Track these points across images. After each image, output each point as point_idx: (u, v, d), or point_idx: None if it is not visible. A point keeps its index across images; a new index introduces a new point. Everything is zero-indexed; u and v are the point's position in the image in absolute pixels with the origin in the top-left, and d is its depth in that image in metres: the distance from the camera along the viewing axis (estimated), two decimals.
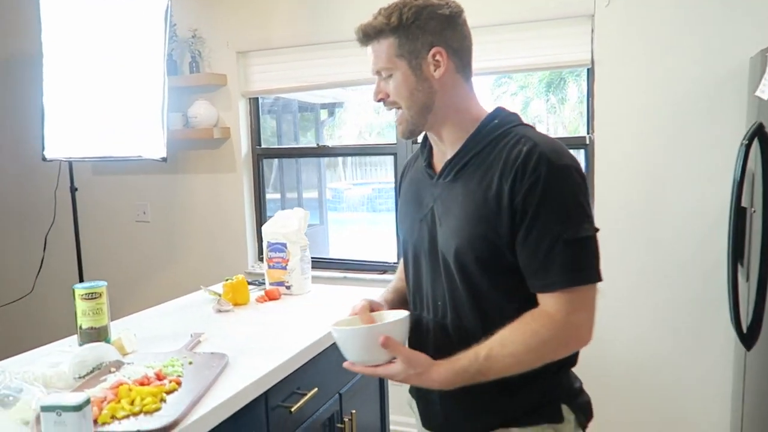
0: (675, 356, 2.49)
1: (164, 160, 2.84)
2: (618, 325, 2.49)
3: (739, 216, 2.09)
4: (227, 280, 1.94)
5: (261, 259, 3.28)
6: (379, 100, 1.16)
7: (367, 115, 3.73)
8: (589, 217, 1.04)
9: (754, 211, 2.01)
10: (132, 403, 1.10)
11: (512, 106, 3.08)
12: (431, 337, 1.16)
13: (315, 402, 1.54)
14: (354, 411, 1.73)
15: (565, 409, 1.11)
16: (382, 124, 3.56)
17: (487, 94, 3.20)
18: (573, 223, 1.01)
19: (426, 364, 1.03)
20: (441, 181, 1.16)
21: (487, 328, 1.05)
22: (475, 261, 1.07)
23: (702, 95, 2.34)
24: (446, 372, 1.02)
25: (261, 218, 3.29)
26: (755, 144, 2.00)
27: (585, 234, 1.01)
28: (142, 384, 1.17)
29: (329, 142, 3.23)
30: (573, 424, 1.12)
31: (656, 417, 2.55)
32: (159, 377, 1.21)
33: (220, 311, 1.82)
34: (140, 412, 1.09)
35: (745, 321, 2.09)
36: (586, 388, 1.20)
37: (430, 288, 1.18)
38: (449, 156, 1.15)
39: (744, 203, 2.09)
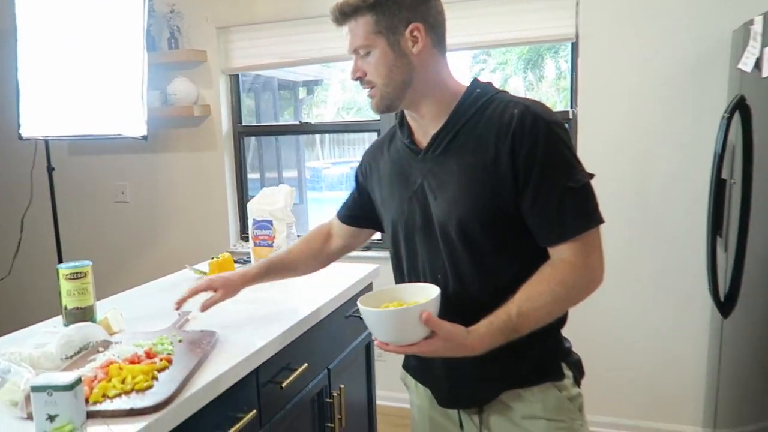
0: (656, 323, 2.55)
1: (144, 138, 2.78)
2: (603, 293, 2.53)
3: (719, 188, 2.13)
4: (213, 258, 1.92)
5: (243, 238, 3.25)
6: (356, 79, 1.16)
7: (346, 93, 3.70)
8: (582, 165, 1.09)
9: (734, 183, 2.04)
10: (123, 381, 1.09)
11: (495, 84, 3.07)
12: (440, 314, 1.16)
13: (304, 377, 1.55)
14: (342, 386, 1.75)
15: (564, 367, 1.16)
16: (361, 102, 3.53)
17: (466, 71, 3.19)
18: (574, 173, 1.06)
19: (463, 334, 1.02)
20: (430, 156, 1.16)
21: (491, 294, 1.08)
22: (480, 227, 1.09)
23: (685, 69, 2.36)
24: (483, 336, 1.02)
25: (243, 197, 3.26)
26: (736, 116, 2.03)
27: (585, 180, 1.07)
28: (132, 363, 1.16)
29: (309, 121, 3.20)
30: (571, 380, 1.17)
31: (638, 381, 2.62)
32: (149, 355, 1.20)
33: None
34: (132, 390, 1.08)
35: (723, 290, 2.14)
36: (575, 348, 1.24)
37: (428, 263, 1.18)
38: (433, 130, 1.15)
39: (724, 175, 2.13)
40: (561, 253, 1.07)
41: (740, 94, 2.02)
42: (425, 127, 1.18)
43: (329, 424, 1.70)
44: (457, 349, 1.02)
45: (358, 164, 1.40)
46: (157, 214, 3.34)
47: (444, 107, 1.14)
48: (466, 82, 1.18)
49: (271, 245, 2.01)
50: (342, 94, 3.73)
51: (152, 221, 3.35)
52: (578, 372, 1.19)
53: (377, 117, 2.94)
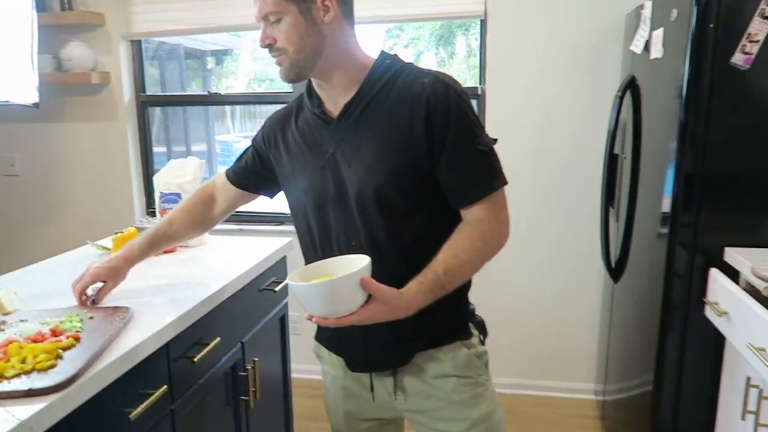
0: (554, 289, 2.73)
1: (36, 106, 2.58)
2: (505, 261, 2.67)
3: (612, 162, 2.29)
4: (117, 233, 1.83)
5: (150, 214, 3.12)
6: (266, 46, 1.15)
7: (257, 64, 3.60)
8: (485, 129, 1.16)
9: (625, 158, 2.21)
10: (23, 361, 1.03)
11: (404, 58, 3.10)
12: None
13: (217, 352, 1.53)
14: (256, 359, 1.74)
15: (471, 327, 1.24)
16: (273, 74, 3.46)
17: (379, 45, 3.20)
18: (482, 137, 1.14)
19: (398, 296, 1.04)
20: (343, 125, 1.17)
21: (406, 259, 1.12)
22: (396, 192, 1.12)
23: (584, 49, 2.49)
24: (416, 296, 1.06)
25: (148, 170, 3.12)
26: (628, 95, 2.18)
27: (491, 144, 1.15)
28: (35, 341, 1.09)
29: (219, 92, 3.09)
30: (477, 339, 1.24)
31: (538, 343, 2.80)
32: (55, 333, 1.14)
33: None
34: (32, 370, 1.02)
35: (614, 257, 2.32)
36: (480, 313, 1.32)
37: (342, 232, 1.19)
38: (343, 100, 1.17)
39: (617, 150, 2.29)
40: (475, 213, 1.13)
41: (631, 74, 2.17)
42: (335, 97, 1.19)
43: (244, 397, 1.69)
44: (395, 312, 1.04)
45: (260, 130, 1.38)
46: (53, 188, 3.12)
47: (354, 77, 1.16)
48: (373, 55, 1.21)
49: None
50: (253, 65, 3.63)
51: (47, 196, 3.14)
52: (483, 332, 1.28)
53: (290, 89, 2.89)
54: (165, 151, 3.42)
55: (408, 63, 1.19)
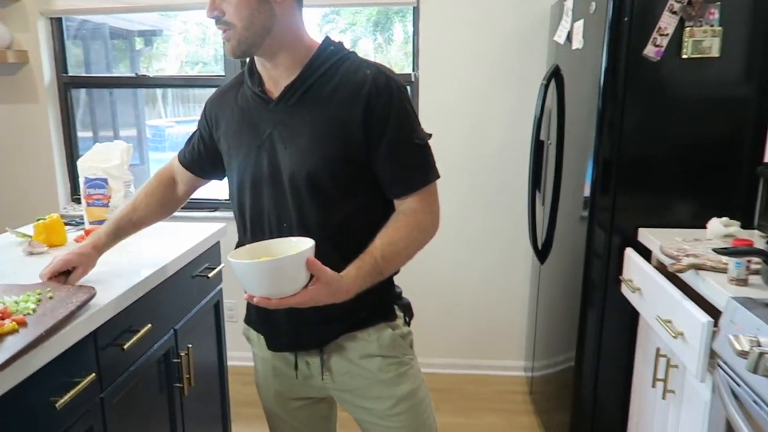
0: (485, 272, 2.83)
1: None
2: (438, 244, 2.74)
3: (538, 148, 2.39)
4: (39, 220, 1.76)
5: (75, 200, 3.00)
6: (213, 17, 1.13)
7: (189, 46, 3.50)
8: (420, 124, 1.20)
9: (550, 144, 2.31)
10: None
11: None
12: None
13: (149, 339, 1.51)
14: (190, 346, 1.73)
15: (396, 309, 1.27)
16: (207, 56, 3.37)
17: (316, 30, 3.18)
18: (419, 132, 1.18)
19: (339, 278, 1.05)
20: (282, 106, 1.17)
21: (335, 244, 1.14)
22: (329, 177, 1.14)
23: (512, 38, 2.57)
24: (355, 280, 1.08)
25: (72, 155, 2.99)
26: (553, 84, 2.27)
27: (427, 138, 1.18)
28: None
29: (149, 74, 2.99)
30: (402, 320, 1.28)
31: (469, 324, 2.90)
32: (2, 316, 1.09)
33: (32, 254, 1.66)
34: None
35: (541, 239, 2.43)
36: (414, 298, 1.36)
37: (274, 212, 1.20)
38: (285, 81, 1.17)
39: (543, 137, 2.39)
40: (410, 203, 1.17)
41: (556, 63, 2.27)
42: (277, 78, 1.19)
43: (178, 385, 1.68)
44: (335, 295, 1.05)
45: (202, 111, 1.36)
46: None
47: (298, 59, 1.16)
48: (317, 39, 1.21)
49: (106, 205, 1.89)
50: (185, 47, 3.52)
51: None
52: (408, 313, 1.31)
53: (222, 72, 2.84)
54: (91, 135, 3.29)
55: (351, 51, 1.20)
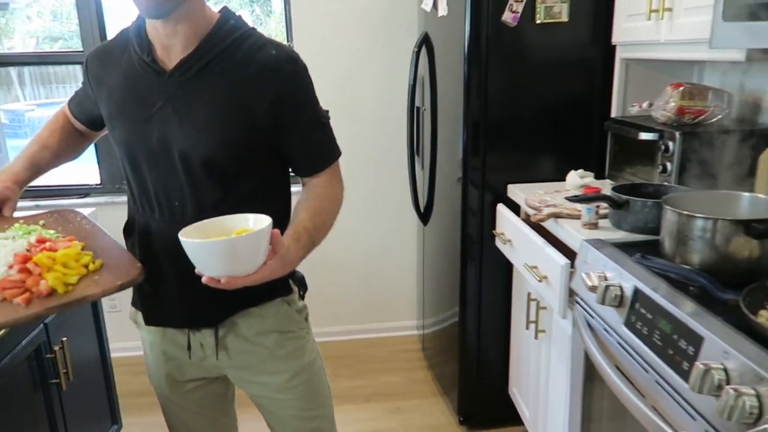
0: (373, 237, 2.90)
1: None
2: None
3: (414, 114, 2.46)
4: None
5: None
6: None
7: (45, 22, 3.21)
8: None
9: (425, 110, 2.38)
10: (66, 266, 0.99)
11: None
12: (173, 239, 1.08)
13: (14, 335, 1.41)
14: (65, 339, 1.64)
15: (291, 283, 1.27)
16: (66, 33, 3.12)
17: None
18: (321, 110, 1.20)
19: (287, 250, 1.04)
20: (176, 79, 1.11)
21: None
22: (228, 157, 1.11)
23: (383, 6, 2.60)
24: (298, 251, 1.08)
25: None
26: (424, 51, 2.34)
27: (328, 116, 1.21)
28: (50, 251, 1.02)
29: None
30: (297, 295, 1.29)
31: (362, 289, 2.97)
32: (41, 240, 1.07)
33: None
34: (93, 270, 1.03)
35: (423, 203, 2.53)
36: (305, 269, 1.35)
37: (162, 189, 1.14)
38: (180, 52, 1.11)
39: (418, 103, 2.46)
40: (322, 178, 1.20)
41: (425, 31, 2.34)
42: (172, 48, 1.11)
43: (54, 381, 1.59)
44: (285, 267, 1.04)
45: (84, 62, 1.24)
46: None
47: (198, 31, 1.10)
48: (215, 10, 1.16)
49: None
50: (39, 22, 3.23)
51: None
52: (303, 287, 1.32)
53: (80, 48, 2.64)
54: None
55: (252, 27, 1.17)
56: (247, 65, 1.11)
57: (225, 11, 1.16)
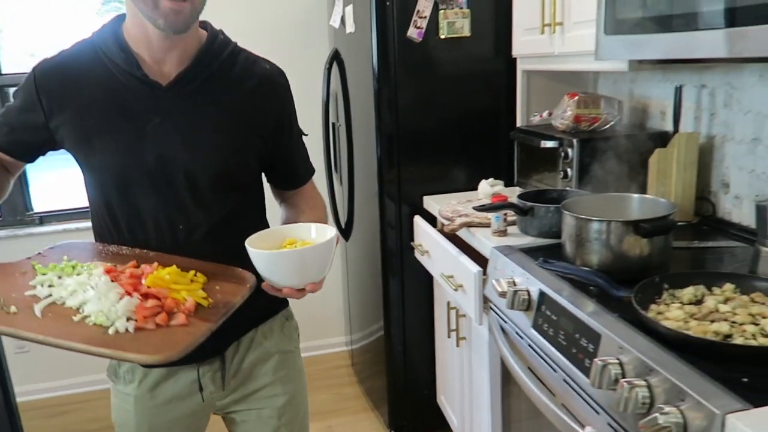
0: None
1: None
2: None
3: (330, 130, 2.47)
4: None
5: None
6: None
7: None
8: None
9: (340, 126, 2.39)
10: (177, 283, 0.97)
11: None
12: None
13: None
14: None
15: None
16: None
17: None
18: (297, 124, 1.25)
19: None
20: (175, 92, 1.05)
21: (214, 239, 1.10)
22: (237, 172, 1.12)
23: (294, 23, 2.60)
24: None
25: None
26: (335, 67, 2.35)
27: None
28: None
29: None
30: (290, 311, 1.32)
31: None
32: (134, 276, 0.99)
33: None
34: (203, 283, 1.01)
35: (343, 218, 2.53)
36: None
37: (163, 213, 1.07)
38: (174, 66, 1.05)
39: (332, 119, 2.47)
40: (308, 189, 1.28)
41: (335, 47, 2.35)
42: (165, 62, 1.05)
43: None
44: None
45: (30, 82, 1.07)
46: None
47: (192, 45, 1.08)
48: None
49: None
50: None
51: None
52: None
53: None
54: None
55: (235, 42, 1.17)
56: (245, 79, 1.13)
57: (210, 26, 1.15)
